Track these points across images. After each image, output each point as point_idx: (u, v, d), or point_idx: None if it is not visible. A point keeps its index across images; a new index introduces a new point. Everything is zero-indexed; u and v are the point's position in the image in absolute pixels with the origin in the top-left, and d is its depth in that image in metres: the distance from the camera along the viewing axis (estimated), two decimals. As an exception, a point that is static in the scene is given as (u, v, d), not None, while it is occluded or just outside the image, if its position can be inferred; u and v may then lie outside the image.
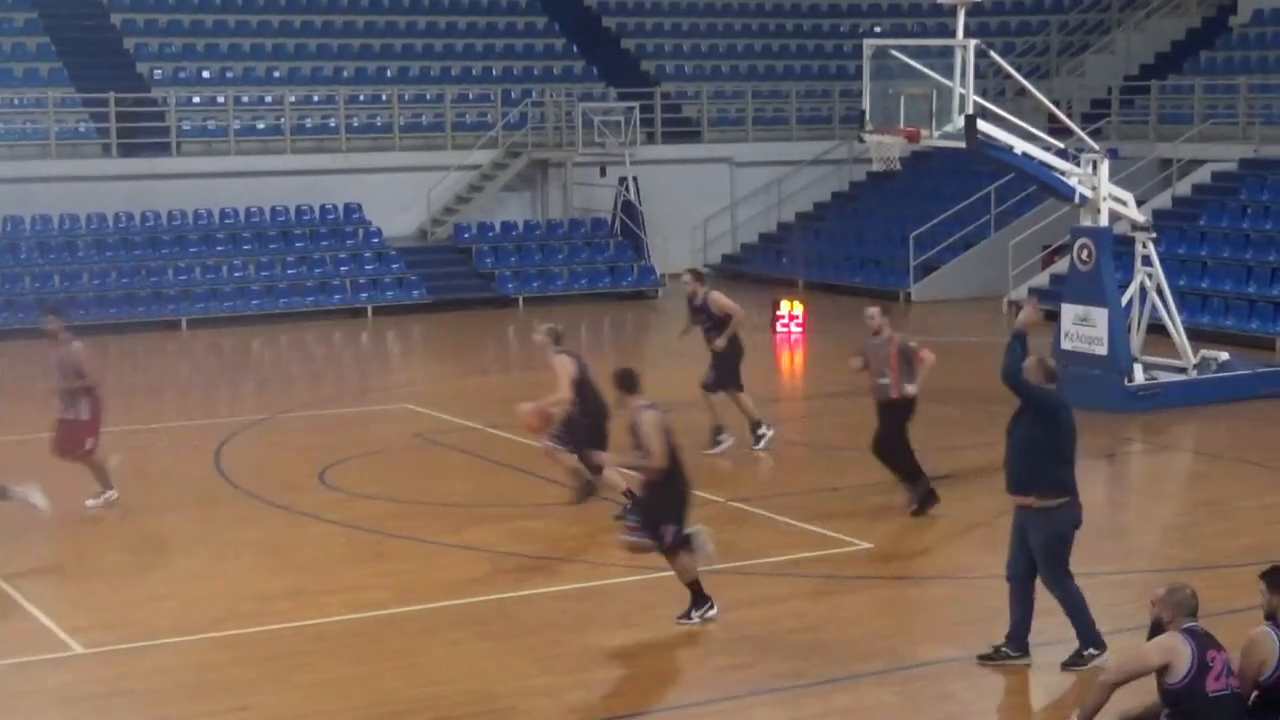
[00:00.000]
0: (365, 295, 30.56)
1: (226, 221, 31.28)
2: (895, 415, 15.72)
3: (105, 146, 31.56)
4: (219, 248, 30.70)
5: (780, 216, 36.11)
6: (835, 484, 16.70)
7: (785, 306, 27.43)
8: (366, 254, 31.41)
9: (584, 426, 15.23)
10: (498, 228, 33.20)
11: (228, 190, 31.26)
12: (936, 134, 20.34)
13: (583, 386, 15.29)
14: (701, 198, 35.20)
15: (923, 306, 30.60)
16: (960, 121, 19.90)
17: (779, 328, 27.23)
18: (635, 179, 33.38)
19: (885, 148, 21.04)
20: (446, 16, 37.02)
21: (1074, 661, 11.29)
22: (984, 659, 11.41)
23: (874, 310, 15.89)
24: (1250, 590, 9.24)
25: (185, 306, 29.37)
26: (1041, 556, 11.24)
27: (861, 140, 23.63)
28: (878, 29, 38.12)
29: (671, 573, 13.78)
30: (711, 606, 12.40)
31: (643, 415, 12.29)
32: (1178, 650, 8.77)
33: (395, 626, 12.64)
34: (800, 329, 27.25)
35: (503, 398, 22.64)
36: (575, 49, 37.23)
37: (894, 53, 21.28)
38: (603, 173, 34.16)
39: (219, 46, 34.56)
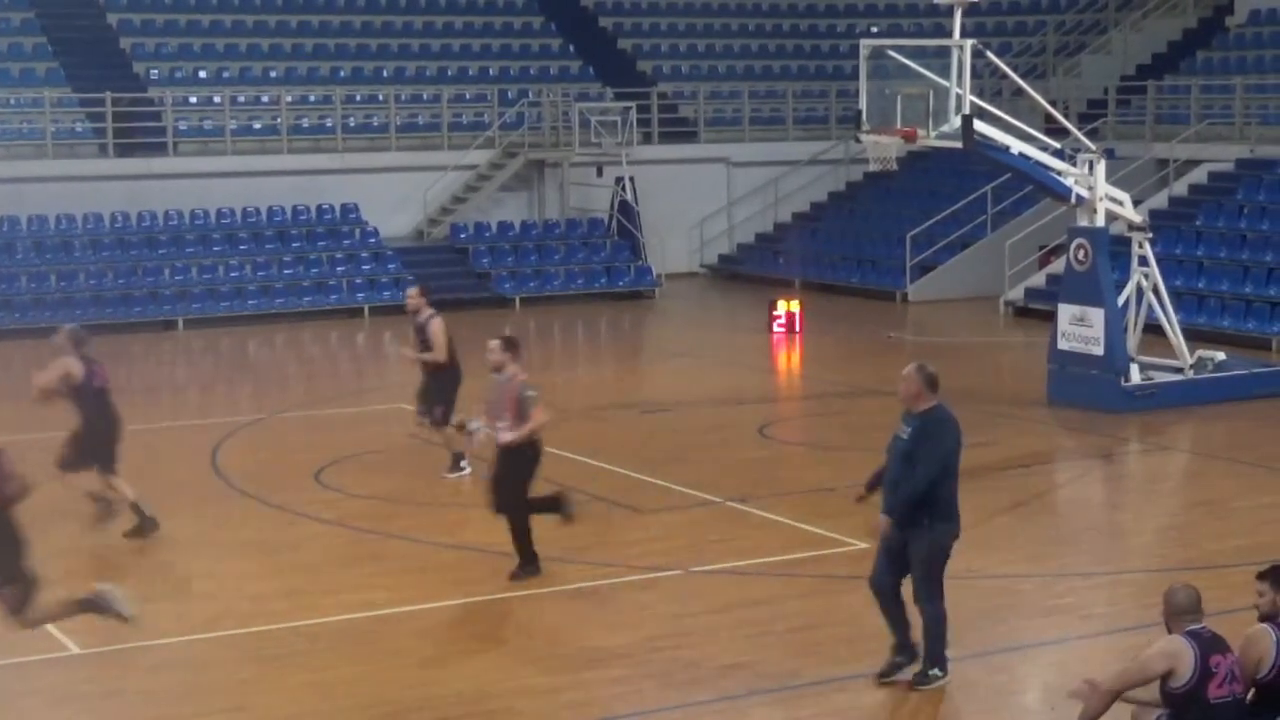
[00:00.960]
0: (362, 295, 30.53)
1: (223, 221, 31.26)
2: (514, 465, 13.49)
3: (101, 146, 31.53)
4: (215, 248, 30.68)
5: (777, 216, 36.11)
6: (833, 484, 16.67)
7: (782, 306, 27.43)
8: (363, 254, 31.40)
9: (95, 438, 14.74)
10: (494, 228, 33.19)
11: (224, 190, 31.25)
12: (933, 134, 20.34)
13: (92, 398, 14.72)
14: (698, 198, 35.20)
15: (920, 306, 30.62)
16: (957, 121, 19.89)
17: (776, 328, 27.24)
18: (632, 179, 33.37)
19: (882, 148, 21.03)
20: (443, 16, 37.00)
21: (919, 680, 10.98)
22: (882, 676, 11.10)
23: (495, 344, 13.81)
24: (1248, 590, 9.22)
25: (182, 307, 29.34)
26: (921, 571, 10.85)
27: (858, 140, 23.65)
28: (874, 29, 38.11)
29: (669, 573, 13.79)
30: None
31: None
32: (1180, 655, 8.66)
33: (391, 627, 12.63)
34: (797, 329, 27.23)
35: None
36: (572, 49, 37.21)
37: (891, 53, 21.27)
38: (599, 173, 34.15)
39: (215, 46, 34.54)
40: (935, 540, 10.83)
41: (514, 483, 13.51)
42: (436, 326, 17.03)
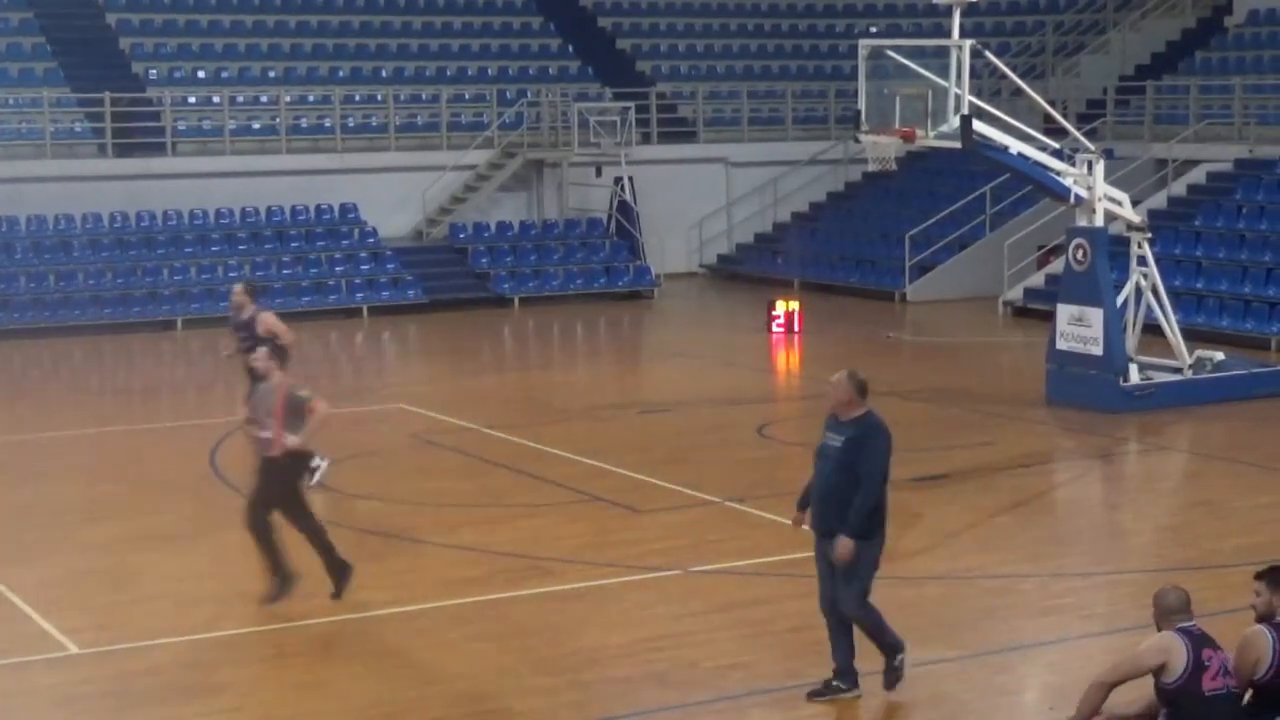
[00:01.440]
0: (361, 295, 30.54)
1: (222, 222, 31.26)
2: (279, 475, 12.88)
3: (101, 146, 31.53)
4: (214, 248, 30.68)
5: (776, 217, 36.11)
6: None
7: (780, 307, 27.43)
8: (362, 254, 31.40)
9: None
10: (493, 228, 33.19)
11: (223, 190, 31.25)
12: (932, 134, 20.33)
13: None
14: (697, 198, 35.20)
15: (918, 307, 30.62)
16: (956, 121, 19.89)
17: (775, 328, 27.25)
18: (631, 179, 33.38)
19: (881, 148, 21.03)
20: (442, 16, 37.01)
21: (894, 675, 10.84)
22: (814, 695, 10.91)
23: (261, 351, 13.39)
24: (1246, 590, 9.24)
25: (181, 306, 29.34)
26: (856, 583, 10.63)
27: (857, 140, 23.65)
28: (873, 29, 38.12)
29: (669, 573, 13.79)
30: None
31: None
32: (1173, 649, 8.74)
33: (390, 627, 12.63)
34: (796, 330, 27.24)
35: (499, 398, 22.69)
36: (571, 49, 37.22)
37: (889, 53, 21.27)
38: (598, 173, 34.15)
39: (214, 46, 34.55)
40: (870, 551, 10.61)
41: (284, 497, 12.89)
42: (271, 318, 16.28)
